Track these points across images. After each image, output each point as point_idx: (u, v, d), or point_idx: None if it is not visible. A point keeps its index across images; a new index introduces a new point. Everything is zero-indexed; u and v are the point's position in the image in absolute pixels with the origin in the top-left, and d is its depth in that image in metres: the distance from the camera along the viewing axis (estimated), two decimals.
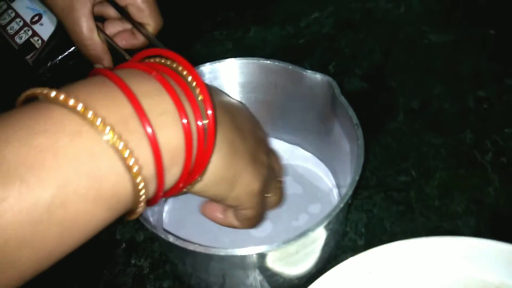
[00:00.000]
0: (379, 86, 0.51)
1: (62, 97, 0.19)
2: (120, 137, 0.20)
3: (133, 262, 0.40)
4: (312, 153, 0.45)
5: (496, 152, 0.44)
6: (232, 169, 0.27)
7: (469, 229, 0.39)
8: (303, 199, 0.42)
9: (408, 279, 0.34)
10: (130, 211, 0.22)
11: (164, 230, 0.32)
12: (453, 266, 0.34)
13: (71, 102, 0.19)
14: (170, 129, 0.22)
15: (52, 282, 0.40)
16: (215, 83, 0.40)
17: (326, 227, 0.31)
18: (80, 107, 0.19)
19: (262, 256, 0.30)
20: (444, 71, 0.52)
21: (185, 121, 0.22)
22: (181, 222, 0.41)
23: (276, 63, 0.38)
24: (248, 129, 0.30)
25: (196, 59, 0.39)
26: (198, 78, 0.24)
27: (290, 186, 0.43)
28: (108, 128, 0.19)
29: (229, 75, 0.40)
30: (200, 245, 0.28)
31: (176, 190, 0.24)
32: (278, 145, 0.45)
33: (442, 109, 0.49)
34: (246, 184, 0.29)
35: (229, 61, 0.39)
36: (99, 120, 0.19)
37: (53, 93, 0.19)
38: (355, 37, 0.56)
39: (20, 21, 0.54)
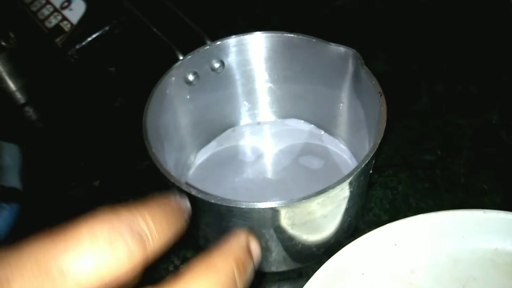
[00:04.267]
0: (402, 69, 0.51)
1: None
2: None
3: None
4: (331, 133, 0.44)
5: None
6: None
7: (495, 206, 0.39)
8: (322, 179, 0.40)
9: (434, 251, 0.34)
10: None
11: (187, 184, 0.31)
12: (480, 239, 0.34)
13: None
14: None
15: None
16: (240, 58, 0.40)
17: (348, 187, 0.30)
18: None
19: (280, 212, 0.29)
20: (468, 56, 0.52)
21: None
22: (203, 178, 0.41)
23: (300, 37, 0.38)
24: None
25: None
26: None
27: (309, 163, 0.42)
28: None
29: (254, 50, 0.40)
30: (220, 197, 0.28)
31: None
32: (297, 125, 0.45)
33: (467, 92, 0.48)
34: None
35: (256, 35, 0.39)
36: None
37: None
38: (378, 23, 0.56)
39: (50, 7, 0.55)
